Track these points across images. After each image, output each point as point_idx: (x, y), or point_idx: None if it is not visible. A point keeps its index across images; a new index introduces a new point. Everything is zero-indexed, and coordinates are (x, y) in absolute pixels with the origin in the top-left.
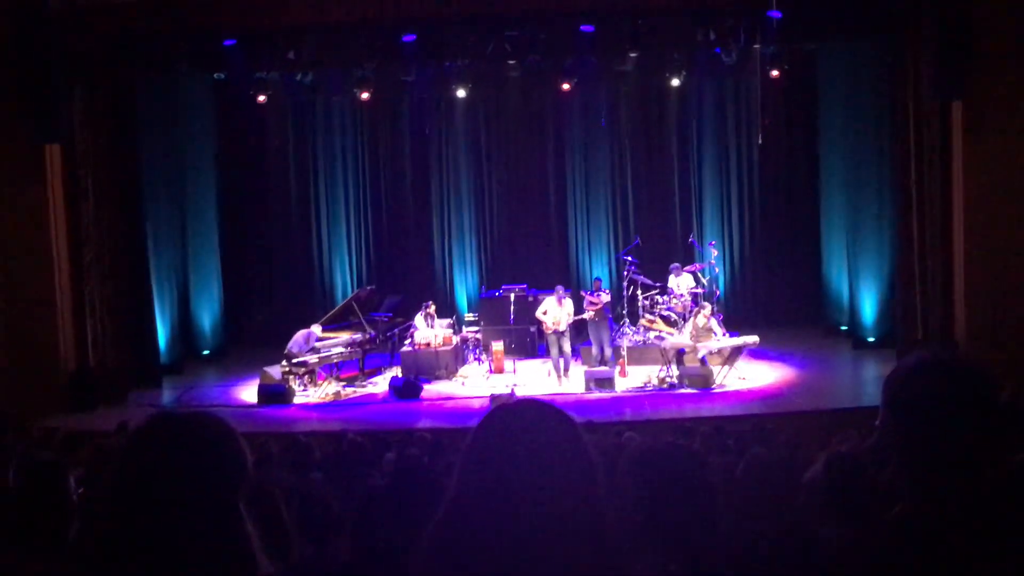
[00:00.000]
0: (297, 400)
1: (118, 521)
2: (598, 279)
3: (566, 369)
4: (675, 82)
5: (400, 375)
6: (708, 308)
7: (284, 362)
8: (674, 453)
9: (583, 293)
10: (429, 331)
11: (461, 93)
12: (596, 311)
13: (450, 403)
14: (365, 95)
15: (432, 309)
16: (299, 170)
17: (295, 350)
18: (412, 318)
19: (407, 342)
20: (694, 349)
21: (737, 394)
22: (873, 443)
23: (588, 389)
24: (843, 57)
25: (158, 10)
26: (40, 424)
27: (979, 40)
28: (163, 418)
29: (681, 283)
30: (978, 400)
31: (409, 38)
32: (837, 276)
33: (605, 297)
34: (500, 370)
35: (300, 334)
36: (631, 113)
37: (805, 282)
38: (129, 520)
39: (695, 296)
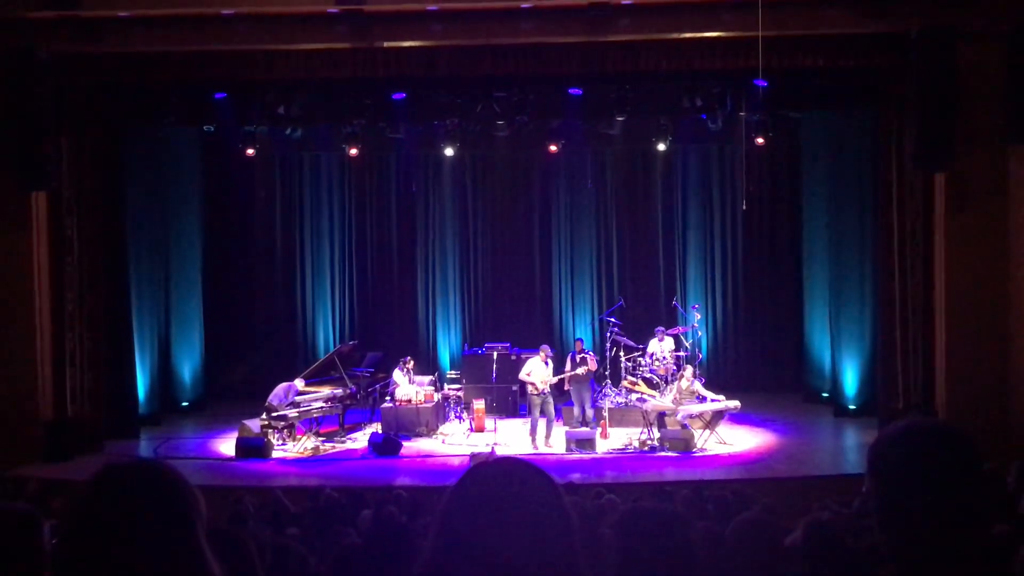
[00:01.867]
0: (275, 454)
1: (75, 572)
2: (580, 340)
3: (548, 432)
4: (661, 147)
5: (380, 431)
6: (689, 370)
7: (264, 415)
8: (660, 516)
9: (577, 356)
10: (410, 387)
11: (449, 152)
12: (584, 371)
13: (430, 461)
14: (353, 151)
15: (410, 364)
16: (285, 224)
17: (275, 403)
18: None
19: (388, 398)
20: (675, 412)
21: (718, 458)
22: (856, 509)
23: (569, 450)
24: (827, 125)
25: (148, 61)
26: (14, 473)
27: (963, 113)
28: (110, 469)
29: (664, 346)
30: (963, 467)
31: (399, 96)
32: (819, 342)
33: (591, 362)
34: (481, 428)
35: (281, 387)
36: (617, 176)
37: (787, 348)
38: (84, 571)
39: (677, 359)
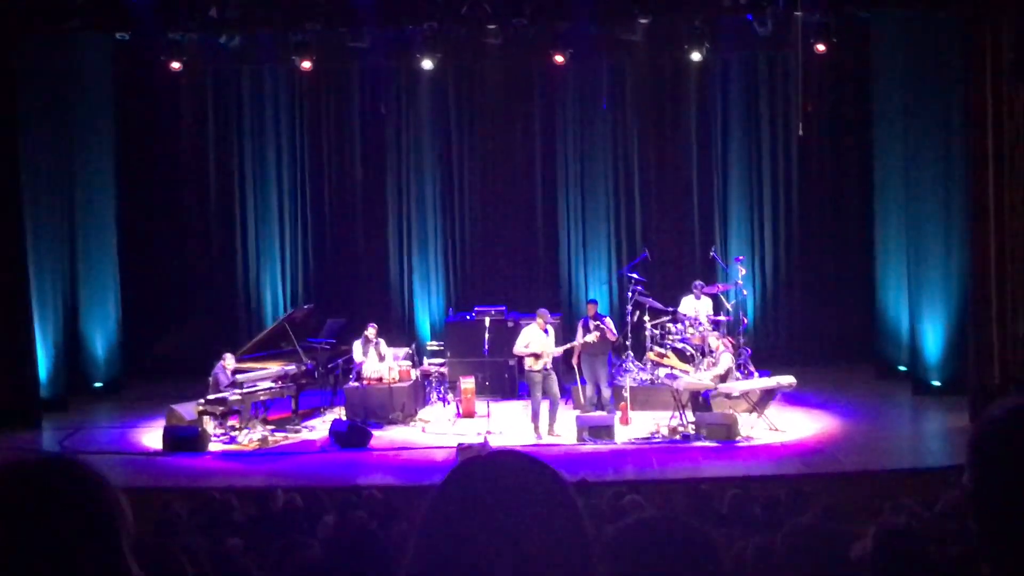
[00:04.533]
0: (213, 447)
1: None
2: (593, 302)
3: (553, 417)
4: (695, 56)
5: (344, 418)
6: (725, 341)
7: (201, 400)
8: (670, 531)
9: (591, 322)
10: (380, 363)
11: (427, 65)
12: (597, 339)
13: (406, 454)
14: (305, 64)
15: (373, 332)
16: (221, 158)
17: (222, 379)
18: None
19: (352, 376)
20: (715, 391)
21: (768, 449)
22: (940, 510)
23: (581, 439)
24: (905, 28)
25: None
26: None
27: None
28: (5, 469)
29: (700, 307)
30: None
31: None
32: (895, 303)
33: (607, 330)
34: (470, 413)
35: (219, 367)
36: (639, 95)
37: (854, 309)
38: None
39: (716, 324)
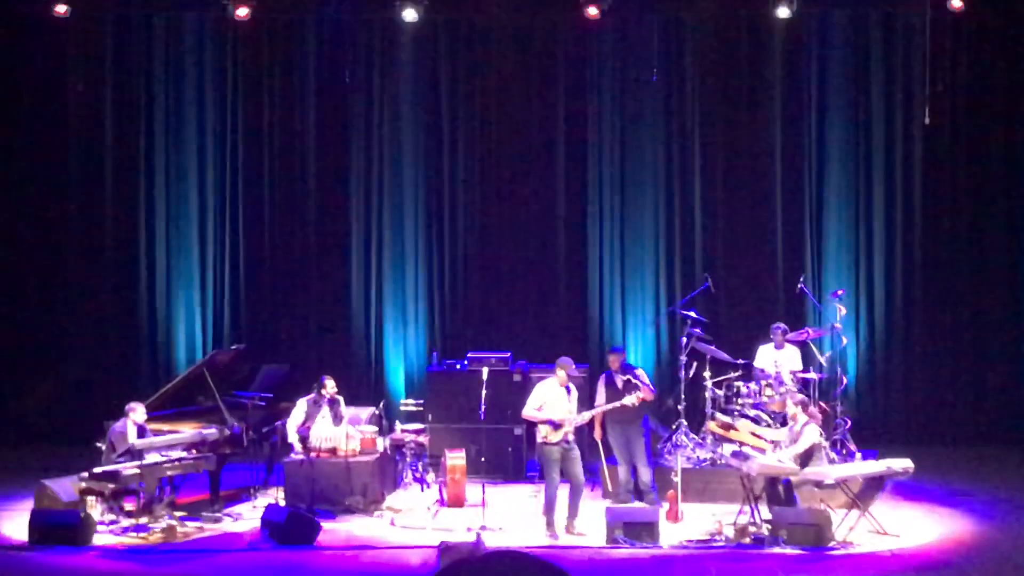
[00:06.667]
0: (100, 540)
1: None
2: (618, 350)
3: (574, 508)
4: (782, 12)
5: (282, 503)
6: (813, 409)
7: (84, 473)
8: None
9: (617, 378)
10: (334, 428)
11: (410, 16)
12: (634, 401)
13: (368, 555)
14: (241, 11)
15: (332, 388)
16: (122, 136)
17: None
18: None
19: (294, 446)
20: (799, 477)
21: (873, 559)
22: None
23: (612, 540)
24: None
25: None
26: None
27: None
28: None
29: (782, 360)
30: None
31: None
32: None
33: (644, 388)
34: (458, 501)
35: (121, 423)
36: (703, 62)
37: (999, 369)
38: None
39: (803, 384)
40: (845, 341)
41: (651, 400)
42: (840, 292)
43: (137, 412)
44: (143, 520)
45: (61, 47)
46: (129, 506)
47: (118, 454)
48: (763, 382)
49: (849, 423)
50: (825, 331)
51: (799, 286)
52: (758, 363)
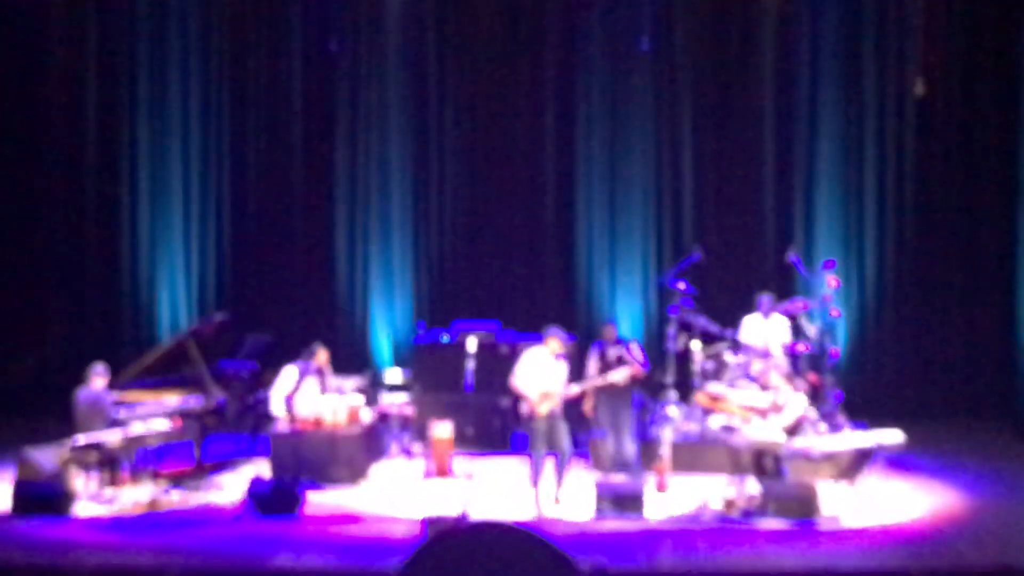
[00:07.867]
0: (82, 510)
1: None
2: (610, 323)
3: (561, 480)
4: None
5: (267, 474)
6: (799, 379)
7: (67, 443)
8: None
9: (609, 350)
10: (321, 397)
11: None
12: (624, 376)
13: (353, 527)
14: None
15: (323, 358)
16: (102, 108)
17: (93, 412)
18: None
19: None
20: (787, 449)
21: (861, 533)
22: None
23: (599, 512)
24: None
25: None
26: None
27: None
28: None
29: (769, 331)
30: None
31: None
32: None
33: (634, 362)
34: (444, 473)
35: (97, 389)
36: (694, 31)
37: (988, 342)
38: None
39: (792, 356)
40: (837, 313)
41: (642, 377)
42: (831, 263)
43: (97, 381)
44: (126, 490)
45: (44, 13)
46: (112, 476)
47: (105, 421)
48: (751, 353)
49: (839, 396)
50: (814, 303)
51: (789, 257)
52: (744, 334)
